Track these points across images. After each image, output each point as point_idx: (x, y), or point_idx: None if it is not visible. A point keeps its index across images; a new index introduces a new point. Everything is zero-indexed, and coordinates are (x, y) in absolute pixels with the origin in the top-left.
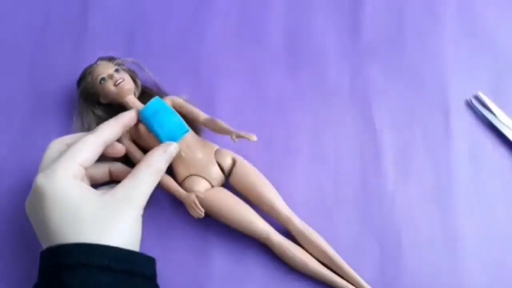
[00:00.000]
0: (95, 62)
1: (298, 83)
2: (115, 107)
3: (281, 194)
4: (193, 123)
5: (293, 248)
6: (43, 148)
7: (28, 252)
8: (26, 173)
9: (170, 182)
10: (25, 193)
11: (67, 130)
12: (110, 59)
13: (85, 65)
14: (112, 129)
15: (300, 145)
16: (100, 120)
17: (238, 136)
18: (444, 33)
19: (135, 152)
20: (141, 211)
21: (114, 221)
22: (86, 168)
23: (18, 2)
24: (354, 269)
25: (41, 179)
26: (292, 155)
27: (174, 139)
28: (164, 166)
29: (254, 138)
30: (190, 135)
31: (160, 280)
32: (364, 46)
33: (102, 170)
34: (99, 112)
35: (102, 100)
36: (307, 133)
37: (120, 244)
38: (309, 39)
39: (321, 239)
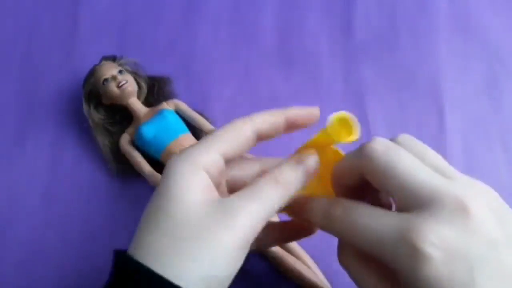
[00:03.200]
0: (99, 62)
1: (291, 83)
2: (117, 109)
3: None
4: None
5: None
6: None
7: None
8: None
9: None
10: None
11: (59, 132)
12: (114, 58)
13: (76, 64)
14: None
15: (293, 144)
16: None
17: None
18: (437, 30)
19: (137, 156)
20: (247, 241)
21: (207, 243)
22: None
23: (6, 2)
24: None
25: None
26: (286, 154)
27: (164, 141)
28: (296, 184)
29: None
30: (188, 142)
31: None
32: (357, 45)
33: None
34: (101, 112)
35: (105, 101)
36: (301, 132)
37: (202, 275)
38: (302, 38)
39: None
